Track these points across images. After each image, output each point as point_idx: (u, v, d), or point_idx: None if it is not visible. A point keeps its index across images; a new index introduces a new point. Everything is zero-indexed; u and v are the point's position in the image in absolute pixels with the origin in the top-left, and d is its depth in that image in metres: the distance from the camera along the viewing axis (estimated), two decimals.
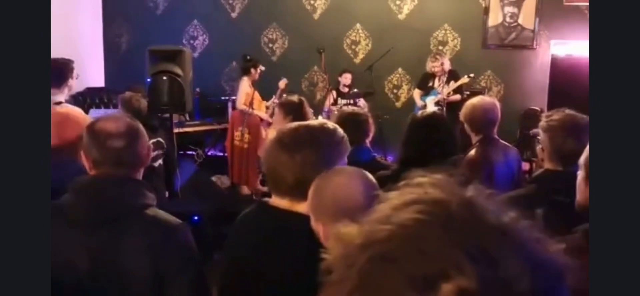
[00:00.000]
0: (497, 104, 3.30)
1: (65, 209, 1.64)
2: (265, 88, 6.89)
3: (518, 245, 0.62)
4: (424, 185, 0.69)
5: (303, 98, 3.33)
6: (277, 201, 1.62)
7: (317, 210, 1.40)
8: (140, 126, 1.79)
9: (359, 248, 0.66)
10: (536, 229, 0.66)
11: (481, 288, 0.58)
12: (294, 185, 1.56)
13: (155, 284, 1.61)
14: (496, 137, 3.26)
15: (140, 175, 1.78)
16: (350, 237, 0.68)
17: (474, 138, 3.15)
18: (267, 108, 6.79)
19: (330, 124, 1.71)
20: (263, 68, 6.83)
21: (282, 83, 6.84)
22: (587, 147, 1.68)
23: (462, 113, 3.22)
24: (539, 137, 2.32)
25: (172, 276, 1.63)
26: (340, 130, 1.67)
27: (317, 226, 1.40)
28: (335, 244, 0.70)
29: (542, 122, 2.28)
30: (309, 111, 3.32)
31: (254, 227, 1.67)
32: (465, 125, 3.19)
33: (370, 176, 1.46)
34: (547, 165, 2.20)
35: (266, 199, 1.67)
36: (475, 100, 3.30)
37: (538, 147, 2.32)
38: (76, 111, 2.58)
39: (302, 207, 1.55)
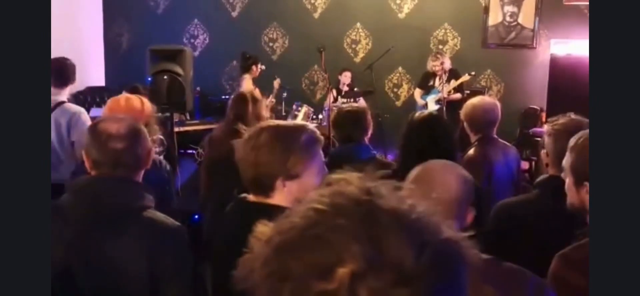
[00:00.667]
0: (498, 104, 3.31)
1: (63, 208, 1.65)
2: (265, 87, 6.90)
3: (406, 228, 0.66)
4: (335, 180, 0.74)
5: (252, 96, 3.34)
6: (251, 196, 1.70)
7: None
8: (142, 128, 1.81)
9: (265, 243, 0.70)
10: (433, 215, 0.70)
11: (370, 268, 0.62)
12: (254, 181, 1.66)
13: (151, 286, 1.62)
14: (495, 136, 3.27)
15: (139, 177, 1.79)
16: (263, 234, 0.73)
17: (473, 138, 3.16)
18: (266, 106, 6.81)
19: (297, 123, 1.79)
20: (263, 66, 6.84)
21: (276, 83, 6.89)
22: (568, 152, 1.69)
23: (462, 113, 3.23)
24: (542, 141, 2.32)
25: (168, 279, 1.64)
26: (309, 130, 1.72)
27: None
28: (254, 242, 0.74)
29: (547, 127, 2.28)
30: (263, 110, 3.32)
31: (232, 223, 1.72)
32: (465, 125, 3.20)
33: (465, 172, 1.51)
34: (551, 170, 2.20)
35: (243, 196, 1.74)
36: (475, 100, 3.31)
37: (542, 152, 2.32)
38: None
39: (273, 200, 1.64)
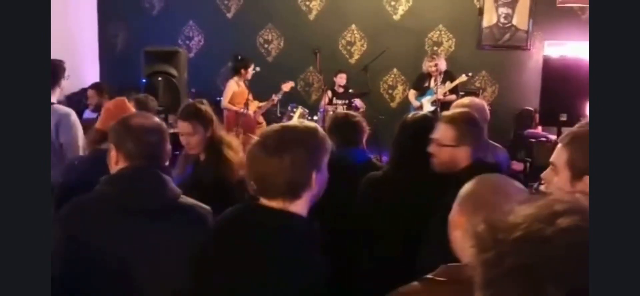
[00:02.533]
0: (486, 106, 3.33)
1: (104, 200, 1.73)
2: (260, 89, 6.90)
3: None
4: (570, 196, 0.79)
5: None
6: (269, 202, 1.61)
7: (474, 202, 1.41)
8: (164, 124, 1.92)
9: (518, 241, 0.73)
10: None
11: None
12: (285, 187, 1.57)
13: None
14: (485, 138, 3.29)
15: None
16: (507, 227, 0.75)
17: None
18: (259, 108, 6.80)
19: (311, 124, 1.73)
20: (258, 68, 6.83)
21: (286, 86, 6.88)
22: (559, 145, 1.71)
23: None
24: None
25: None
26: (320, 130, 1.69)
27: (458, 218, 1.42)
28: (486, 229, 0.77)
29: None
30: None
31: (243, 228, 1.66)
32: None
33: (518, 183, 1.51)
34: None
35: (256, 201, 1.65)
36: (465, 100, 3.32)
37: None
38: None
39: (295, 207, 1.57)
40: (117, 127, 1.84)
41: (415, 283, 1.38)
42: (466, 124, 2.28)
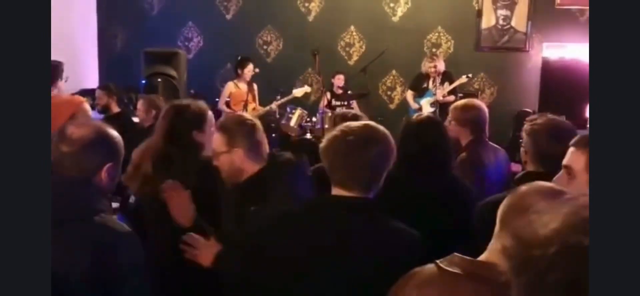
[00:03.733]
0: (485, 107, 3.35)
1: None
2: (259, 90, 6.91)
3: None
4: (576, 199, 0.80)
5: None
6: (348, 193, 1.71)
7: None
8: (104, 135, 1.76)
9: (558, 256, 0.73)
10: None
11: None
12: (366, 180, 1.70)
13: (98, 292, 1.59)
14: (486, 138, 3.30)
15: (101, 180, 1.73)
16: (541, 242, 0.75)
17: (464, 141, 3.17)
18: (254, 109, 6.77)
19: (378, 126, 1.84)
20: (257, 70, 6.81)
21: (300, 92, 6.89)
22: (573, 149, 1.71)
23: (453, 115, 3.25)
24: (522, 141, 2.36)
25: (115, 285, 1.61)
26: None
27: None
28: (517, 246, 0.79)
29: (526, 126, 2.33)
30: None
31: (330, 222, 1.70)
32: (454, 126, 3.21)
33: None
34: (530, 166, 2.25)
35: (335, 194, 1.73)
36: (465, 101, 3.33)
37: (521, 150, 2.37)
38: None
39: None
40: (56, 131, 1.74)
41: (430, 266, 1.38)
42: (237, 127, 2.23)
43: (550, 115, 2.31)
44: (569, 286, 0.70)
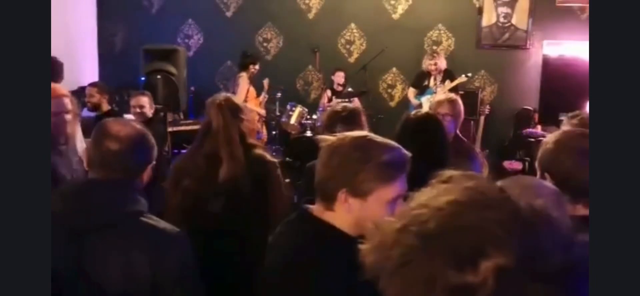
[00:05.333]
0: (461, 102, 3.37)
1: (53, 214, 1.55)
2: (259, 88, 6.92)
3: (550, 225, 0.66)
4: (456, 177, 0.73)
5: None
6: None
7: None
8: (149, 137, 1.75)
9: (399, 231, 0.69)
10: (564, 215, 0.70)
11: (518, 264, 0.61)
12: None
13: (152, 293, 1.58)
14: (460, 135, 3.33)
15: (141, 180, 1.74)
16: (389, 224, 0.71)
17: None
18: (260, 103, 6.84)
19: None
20: (258, 67, 6.83)
21: (265, 83, 6.91)
22: (541, 147, 1.74)
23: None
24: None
25: (170, 286, 1.60)
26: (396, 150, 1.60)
27: None
28: (373, 233, 0.73)
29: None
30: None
31: (291, 232, 1.64)
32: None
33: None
34: None
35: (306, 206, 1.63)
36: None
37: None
38: None
39: (334, 214, 1.53)
40: (95, 128, 1.73)
41: None
42: None
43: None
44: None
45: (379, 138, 1.56)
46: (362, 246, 0.73)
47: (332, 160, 1.48)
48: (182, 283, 1.63)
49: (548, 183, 1.54)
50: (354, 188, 1.46)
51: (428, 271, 0.65)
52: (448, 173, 0.74)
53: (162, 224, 1.67)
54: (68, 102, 2.71)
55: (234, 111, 2.64)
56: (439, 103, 3.20)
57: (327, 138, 1.55)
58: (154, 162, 1.80)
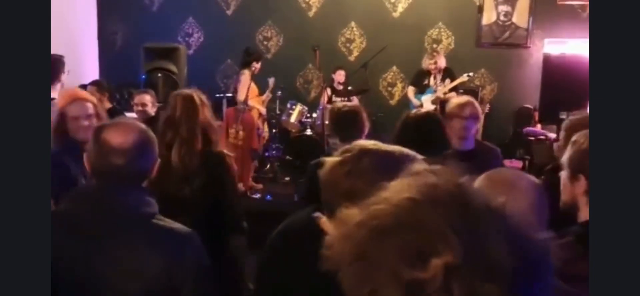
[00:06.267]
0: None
1: (65, 217, 1.58)
2: (259, 86, 6.90)
3: (503, 227, 0.66)
4: (421, 172, 0.74)
5: None
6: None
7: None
8: (150, 135, 1.73)
9: (357, 225, 0.71)
10: (524, 215, 0.71)
11: (465, 262, 0.62)
12: None
13: (168, 295, 1.58)
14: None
15: (144, 183, 1.73)
16: (351, 217, 0.73)
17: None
18: (263, 102, 6.81)
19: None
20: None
21: (271, 82, 6.86)
22: (569, 146, 1.71)
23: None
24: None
25: (185, 287, 1.59)
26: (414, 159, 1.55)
27: None
28: (337, 224, 0.74)
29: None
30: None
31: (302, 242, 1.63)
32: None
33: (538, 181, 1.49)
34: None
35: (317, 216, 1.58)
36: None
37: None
38: None
39: None
40: (91, 137, 1.70)
41: None
42: None
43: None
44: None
45: (383, 148, 1.52)
46: (327, 238, 0.74)
47: (356, 185, 1.40)
48: (200, 283, 1.63)
49: (530, 177, 1.53)
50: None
51: (379, 266, 0.66)
52: (418, 166, 0.76)
53: (175, 225, 1.66)
54: (90, 107, 2.72)
55: (196, 104, 2.70)
56: (462, 106, 3.08)
57: (331, 159, 1.53)
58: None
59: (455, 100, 3.28)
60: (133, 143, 1.63)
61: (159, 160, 1.77)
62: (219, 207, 2.63)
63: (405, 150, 1.54)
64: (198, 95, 2.75)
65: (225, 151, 2.76)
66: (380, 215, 0.69)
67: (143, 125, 1.75)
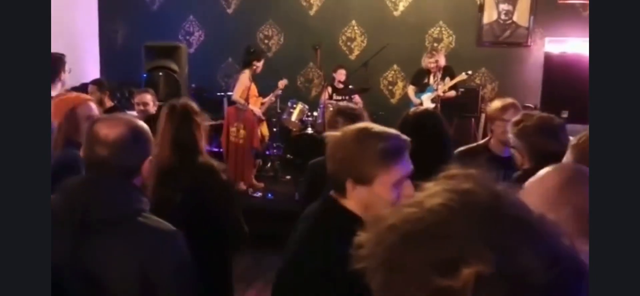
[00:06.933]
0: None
1: (52, 210, 1.56)
2: (260, 84, 6.90)
3: (538, 240, 0.65)
4: (457, 176, 0.73)
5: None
6: None
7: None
8: (140, 131, 1.72)
9: (389, 228, 0.70)
10: (560, 228, 0.69)
11: (497, 275, 0.61)
12: None
13: (147, 293, 1.57)
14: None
15: (135, 178, 1.71)
16: (383, 219, 0.72)
17: None
18: (262, 104, 6.78)
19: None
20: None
21: (281, 83, 6.80)
22: (568, 151, 1.71)
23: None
24: (512, 145, 2.36)
25: (164, 286, 1.59)
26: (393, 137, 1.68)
27: None
28: (371, 224, 0.74)
29: (513, 129, 2.33)
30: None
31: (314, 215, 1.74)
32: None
33: None
34: (528, 164, 2.25)
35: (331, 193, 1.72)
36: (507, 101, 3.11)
37: (514, 153, 2.37)
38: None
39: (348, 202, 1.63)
40: (86, 129, 1.71)
41: None
42: None
43: (531, 113, 2.34)
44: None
45: (377, 128, 1.67)
46: (358, 237, 0.74)
47: (336, 154, 1.61)
48: (178, 282, 1.62)
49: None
50: (357, 176, 1.58)
51: (409, 271, 0.65)
52: (453, 170, 0.74)
53: (157, 222, 1.65)
54: (94, 107, 2.74)
55: (186, 116, 2.65)
56: (505, 108, 2.95)
57: (332, 134, 1.67)
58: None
59: (498, 101, 3.10)
60: (118, 135, 1.64)
61: (149, 157, 1.75)
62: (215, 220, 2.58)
63: (393, 131, 1.68)
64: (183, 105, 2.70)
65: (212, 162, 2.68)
66: (412, 220, 0.68)
67: (137, 122, 1.75)
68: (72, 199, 1.60)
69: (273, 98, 6.87)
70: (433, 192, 0.71)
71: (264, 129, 6.82)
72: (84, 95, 2.91)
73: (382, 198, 1.56)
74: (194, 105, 2.74)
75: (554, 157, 1.90)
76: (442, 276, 0.62)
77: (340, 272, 1.44)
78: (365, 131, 1.64)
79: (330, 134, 1.69)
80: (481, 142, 3.15)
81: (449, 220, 0.66)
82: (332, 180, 1.64)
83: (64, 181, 1.65)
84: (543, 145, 2.20)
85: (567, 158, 1.72)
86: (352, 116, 2.97)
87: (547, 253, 0.64)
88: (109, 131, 1.64)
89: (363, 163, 1.57)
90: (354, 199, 1.60)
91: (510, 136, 2.36)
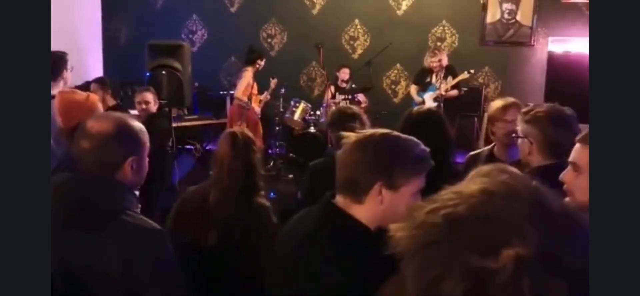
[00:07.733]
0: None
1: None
2: (261, 83, 6.92)
3: (575, 227, 0.69)
4: (491, 171, 0.76)
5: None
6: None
7: None
8: (128, 130, 1.70)
9: (430, 212, 0.72)
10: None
11: (536, 256, 0.63)
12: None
13: (130, 292, 1.55)
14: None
15: (125, 175, 1.69)
16: (421, 207, 0.74)
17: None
18: (260, 102, 6.82)
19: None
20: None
21: (273, 82, 6.87)
22: (578, 145, 1.70)
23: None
24: (522, 133, 2.30)
25: (147, 285, 1.56)
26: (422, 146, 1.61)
27: None
28: (407, 214, 0.75)
29: (525, 117, 2.27)
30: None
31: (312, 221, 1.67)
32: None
33: None
34: (540, 157, 2.21)
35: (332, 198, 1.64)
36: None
37: (521, 142, 2.31)
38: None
39: (362, 208, 1.55)
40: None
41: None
42: None
43: (549, 104, 2.30)
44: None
45: (403, 135, 1.61)
46: (392, 225, 0.75)
47: (366, 155, 1.52)
48: (160, 282, 1.59)
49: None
50: (389, 181, 1.51)
51: (449, 252, 0.67)
52: (487, 167, 0.77)
53: (141, 221, 1.63)
54: (101, 109, 2.73)
55: (245, 144, 2.58)
56: (506, 108, 2.81)
57: (351, 135, 1.58)
58: (146, 158, 1.76)
59: (499, 100, 2.92)
60: (101, 129, 1.64)
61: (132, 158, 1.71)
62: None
63: (417, 140, 1.61)
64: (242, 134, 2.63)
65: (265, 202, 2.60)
66: (453, 204, 0.70)
67: (128, 121, 1.73)
68: (57, 195, 1.58)
69: (268, 96, 6.93)
70: (471, 183, 0.74)
71: (259, 127, 6.88)
72: (93, 96, 2.90)
73: (403, 206, 1.48)
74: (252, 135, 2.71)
75: (564, 148, 1.89)
76: (482, 257, 0.64)
77: (360, 287, 1.41)
78: (398, 135, 1.58)
79: (351, 135, 1.58)
80: (485, 148, 3.07)
81: (491, 203, 0.69)
82: (349, 184, 1.54)
83: (51, 178, 1.64)
84: (555, 133, 2.17)
85: (580, 155, 1.70)
86: (352, 117, 2.97)
87: (583, 239, 0.68)
88: (94, 124, 1.66)
89: (399, 166, 1.51)
90: (370, 206, 1.52)
91: (520, 125, 2.31)
